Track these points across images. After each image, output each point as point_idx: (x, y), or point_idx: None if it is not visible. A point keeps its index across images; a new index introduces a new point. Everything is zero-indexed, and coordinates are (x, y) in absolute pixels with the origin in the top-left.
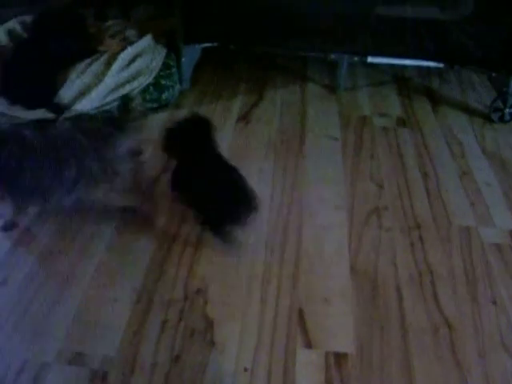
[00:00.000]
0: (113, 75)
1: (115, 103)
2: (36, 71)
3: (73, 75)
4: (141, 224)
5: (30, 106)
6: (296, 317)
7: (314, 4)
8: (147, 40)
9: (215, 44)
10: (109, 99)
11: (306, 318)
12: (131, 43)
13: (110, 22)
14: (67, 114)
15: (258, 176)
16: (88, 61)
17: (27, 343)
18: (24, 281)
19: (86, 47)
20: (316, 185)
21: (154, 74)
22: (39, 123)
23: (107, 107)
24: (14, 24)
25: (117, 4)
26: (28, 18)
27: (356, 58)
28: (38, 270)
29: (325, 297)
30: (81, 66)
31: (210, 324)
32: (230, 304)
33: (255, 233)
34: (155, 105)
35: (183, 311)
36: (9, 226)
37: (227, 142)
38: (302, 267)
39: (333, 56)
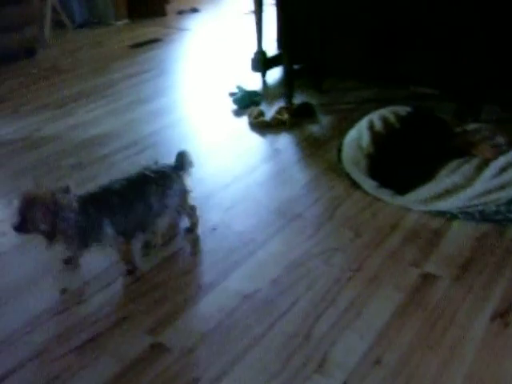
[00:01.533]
0: (483, 181)
1: (479, 208)
2: (406, 161)
3: (443, 172)
4: None
5: (397, 191)
6: None
7: None
8: None
9: None
10: (473, 203)
11: None
12: (503, 152)
13: (474, 126)
14: (426, 208)
15: None
16: (459, 161)
17: None
18: (399, 361)
19: (453, 147)
20: None
21: None
22: None
23: (470, 210)
24: (388, 113)
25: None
26: (401, 110)
27: None
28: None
29: None
30: (452, 165)
31: None
32: None
33: None
34: None
35: None
36: None
37: None
38: None
39: None
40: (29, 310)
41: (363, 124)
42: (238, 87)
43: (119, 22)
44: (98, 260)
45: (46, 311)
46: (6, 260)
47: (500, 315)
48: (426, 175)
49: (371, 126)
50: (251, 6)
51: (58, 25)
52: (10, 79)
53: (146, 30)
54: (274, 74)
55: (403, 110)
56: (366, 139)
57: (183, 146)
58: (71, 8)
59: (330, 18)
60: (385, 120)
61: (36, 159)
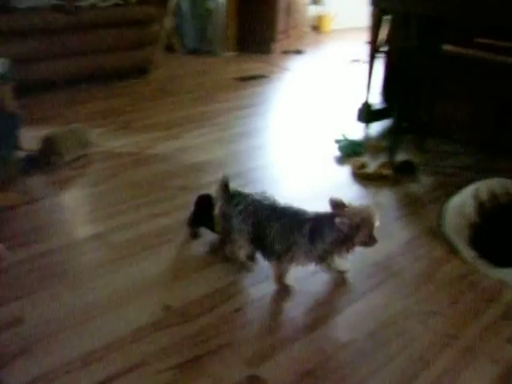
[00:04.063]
0: None
1: None
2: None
3: None
4: None
5: (497, 264)
6: None
7: None
8: None
9: None
10: None
11: None
12: None
13: None
14: None
15: None
16: None
17: None
18: None
19: None
20: None
21: None
22: None
23: None
24: (497, 185)
25: None
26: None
27: None
28: None
29: None
30: None
31: None
32: None
33: None
34: None
35: None
36: None
37: None
38: None
39: None
40: (132, 322)
41: (468, 192)
42: (343, 135)
43: (226, 54)
44: (205, 284)
45: (149, 325)
46: (111, 269)
47: None
48: None
49: (476, 195)
50: (357, 55)
51: (168, 49)
52: (123, 96)
53: (252, 65)
54: (377, 126)
55: None
56: (469, 208)
57: (283, 186)
58: (184, 34)
59: (441, 80)
60: (492, 192)
61: (146, 174)
